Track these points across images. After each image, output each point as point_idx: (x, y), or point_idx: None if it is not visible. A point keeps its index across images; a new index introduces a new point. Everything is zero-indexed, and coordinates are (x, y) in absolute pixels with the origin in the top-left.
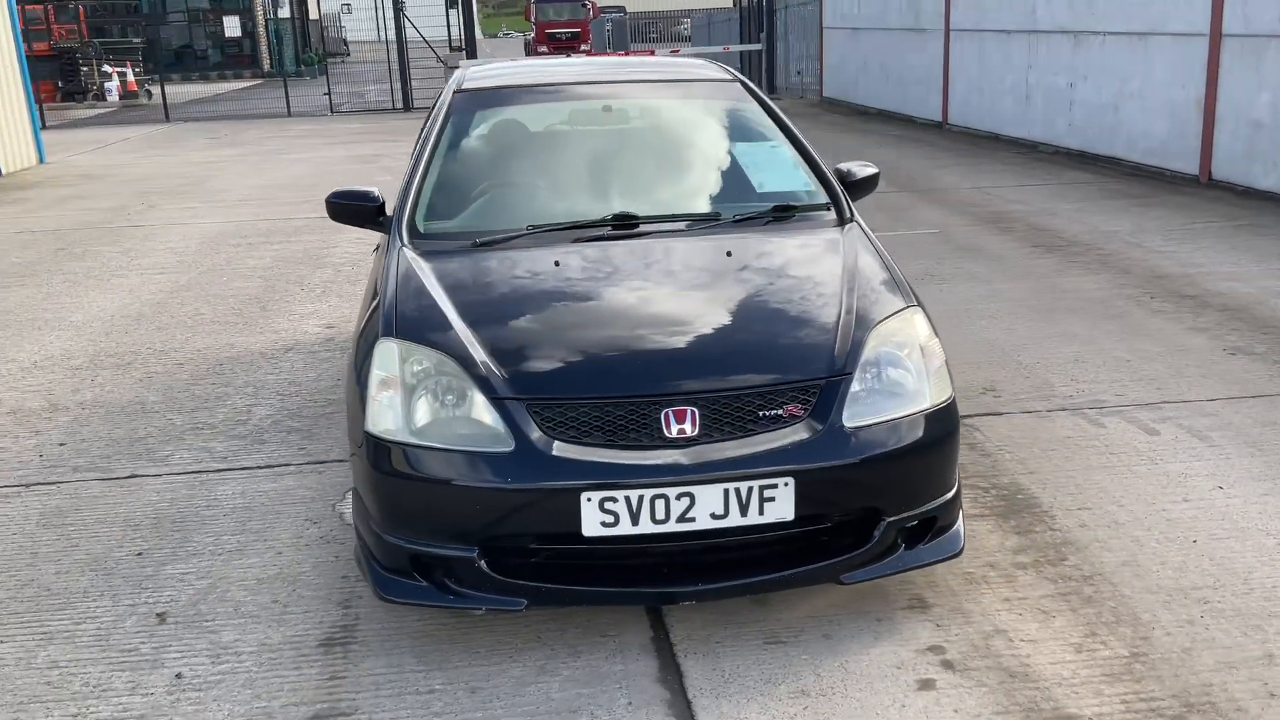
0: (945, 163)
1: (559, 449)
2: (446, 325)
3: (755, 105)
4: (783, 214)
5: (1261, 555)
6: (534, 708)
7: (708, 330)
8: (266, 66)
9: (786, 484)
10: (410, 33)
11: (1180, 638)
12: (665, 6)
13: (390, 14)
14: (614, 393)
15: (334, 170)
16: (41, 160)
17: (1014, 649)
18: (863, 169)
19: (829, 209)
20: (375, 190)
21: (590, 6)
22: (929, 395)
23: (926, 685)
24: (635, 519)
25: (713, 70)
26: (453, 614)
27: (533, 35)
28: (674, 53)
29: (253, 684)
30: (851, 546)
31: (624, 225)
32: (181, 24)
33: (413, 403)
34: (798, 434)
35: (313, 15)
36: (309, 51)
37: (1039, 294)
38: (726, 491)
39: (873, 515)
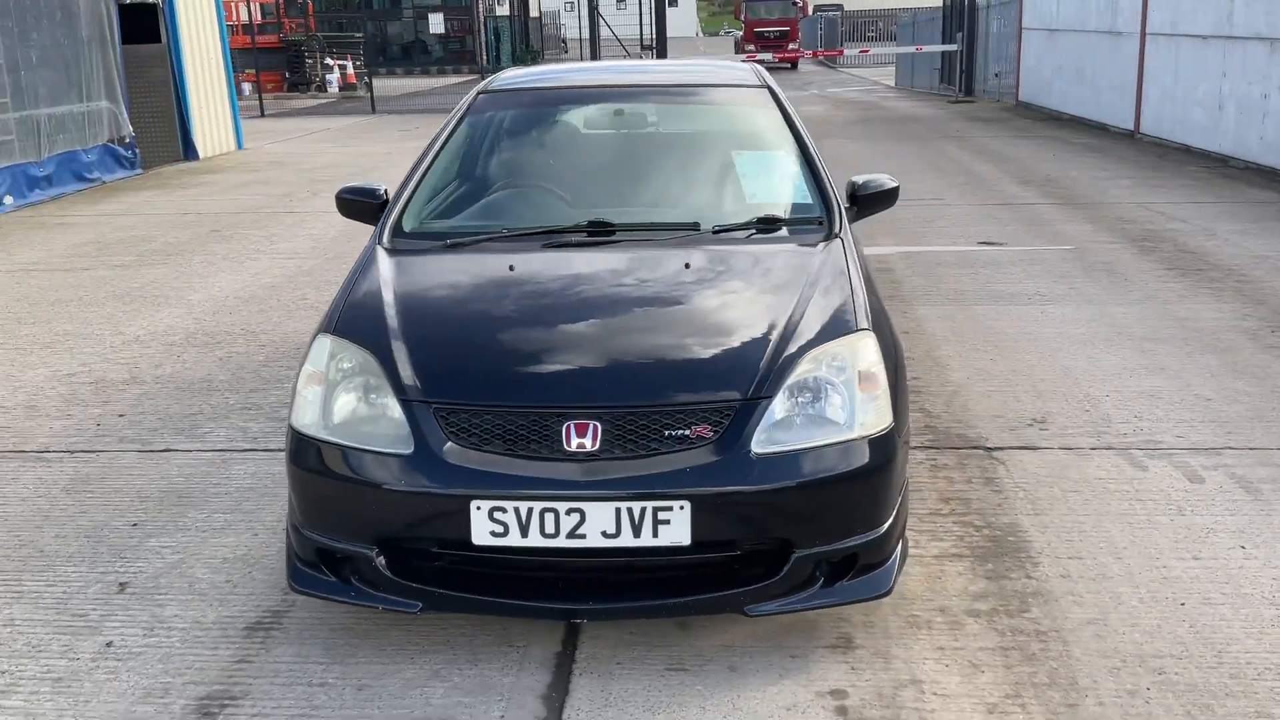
0: (1119, 175)
1: (454, 455)
2: (383, 325)
3: (775, 114)
4: (768, 226)
5: (1251, 627)
6: (407, 712)
7: (631, 344)
8: (484, 62)
9: (682, 507)
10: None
11: (1111, 710)
12: (885, 5)
13: (605, 12)
14: (517, 402)
15: None
16: (239, 146)
17: (922, 702)
18: (877, 183)
19: (820, 223)
20: (381, 187)
21: (800, 5)
22: (859, 425)
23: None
24: (525, 531)
25: (745, 77)
26: (379, 610)
27: (741, 34)
28: (862, 52)
29: (168, 659)
30: (761, 577)
31: (600, 232)
32: (408, 20)
33: (332, 399)
34: (700, 457)
35: (533, 13)
36: (524, 48)
37: (1147, 321)
38: (618, 510)
39: (785, 547)
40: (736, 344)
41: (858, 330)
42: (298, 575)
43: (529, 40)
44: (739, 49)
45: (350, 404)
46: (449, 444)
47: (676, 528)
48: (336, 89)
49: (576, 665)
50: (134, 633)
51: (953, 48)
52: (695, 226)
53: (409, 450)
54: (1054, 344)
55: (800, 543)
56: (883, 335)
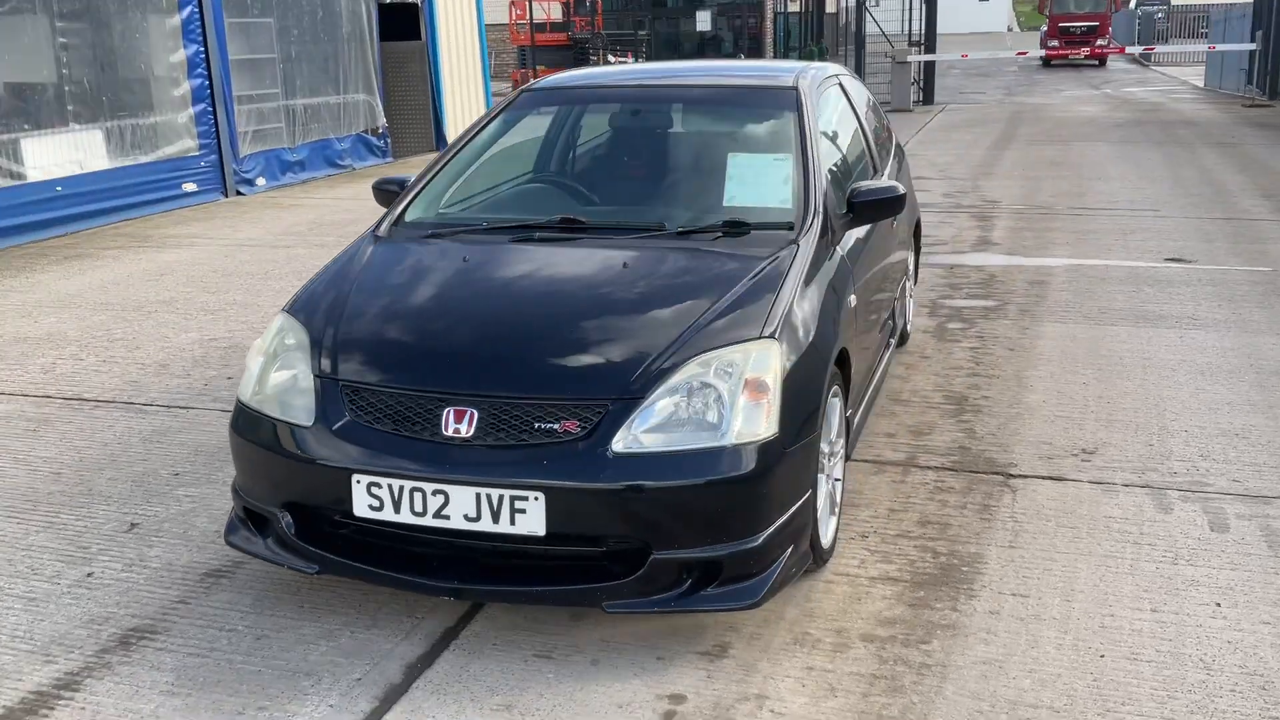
0: None
1: (343, 430)
2: (332, 307)
3: (791, 118)
4: (734, 230)
5: (1162, 689)
6: (283, 664)
7: (527, 338)
8: (770, 59)
9: (537, 499)
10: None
11: None
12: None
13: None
14: (407, 385)
15: None
16: None
17: (752, 714)
18: (877, 189)
19: (790, 229)
20: (411, 177)
21: None
22: (734, 433)
23: None
24: (397, 507)
25: (780, 79)
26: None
27: (1044, 29)
28: (1147, 50)
29: (126, 593)
30: (621, 575)
31: (570, 229)
32: (707, 17)
33: (268, 372)
34: (561, 451)
35: (830, 8)
36: (813, 44)
37: None
38: (479, 496)
39: (645, 548)
40: (628, 344)
41: (759, 339)
42: (231, 530)
43: (821, 35)
44: (1043, 44)
45: (279, 378)
46: (346, 420)
47: (532, 518)
48: None
49: (456, 642)
50: (114, 567)
51: (1250, 46)
52: (661, 227)
53: (309, 423)
54: (1166, 371)
55: (658, 545)
56: (798, 344)
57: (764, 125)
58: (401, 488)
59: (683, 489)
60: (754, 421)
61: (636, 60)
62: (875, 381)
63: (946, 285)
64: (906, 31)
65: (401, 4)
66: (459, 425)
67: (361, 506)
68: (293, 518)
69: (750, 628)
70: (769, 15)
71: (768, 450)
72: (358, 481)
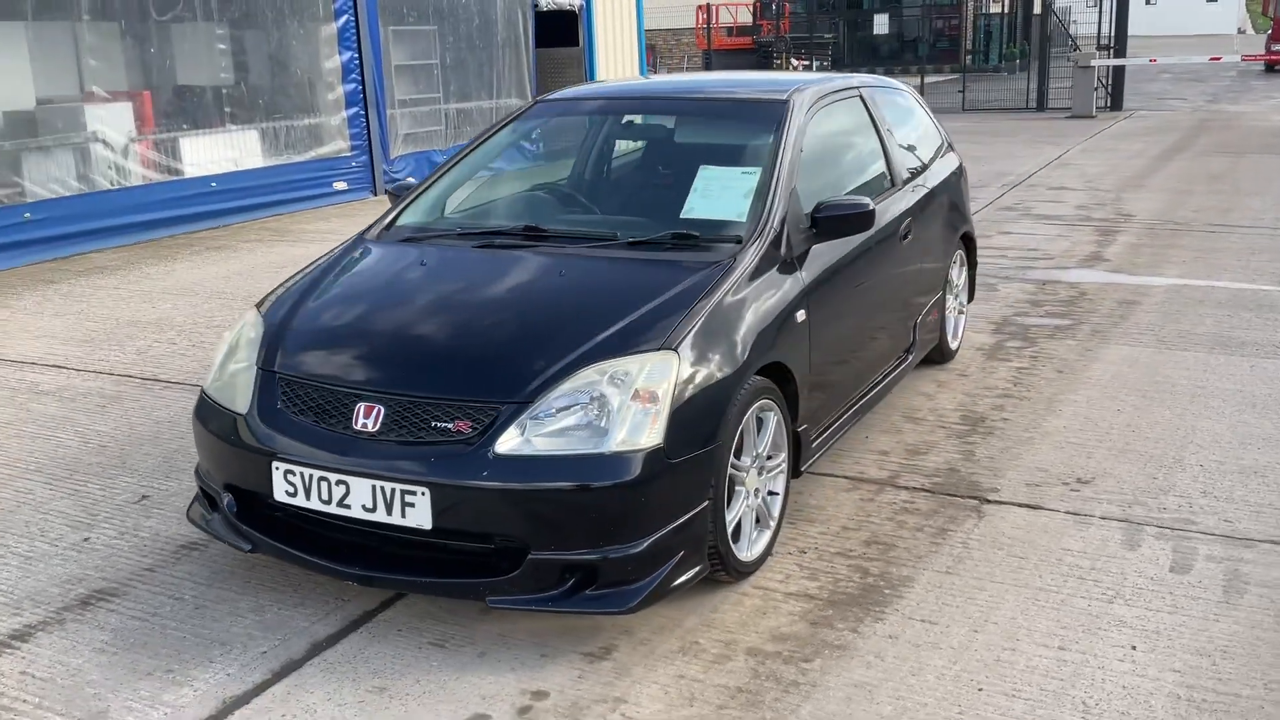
0: None
1: (271, 419)
2: (294, 304)
3: (771, 131)
4: (682, 241)
5: None
6: (207, 633)
7: (443, 339)
8: (967, 61)
9: (424, 494)
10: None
11: None
12: None
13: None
14: (330, 380)
15: None
16: None
17: (603, 717)
18: (843, 205)
19: (739, 242)
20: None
21: None
22: (618, 441)
23: (479, 719)
24: (307, 494)
25: (775, 94)
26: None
27: (1270, 31)
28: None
29: (107, 559)
30: (503, 573)
31: (532, 236)
32: (911, 18)
33: (227, 362)
34: (449, 450)
35: (1038, 9)
36: (1012, 46)
37: None
38: (374, 488)
39: (525, 547)
40: (533, 349)
41: (659, 349)
42: (190, 507)
43: (1029, 36)
44: (1266, 47)
45: (233, 368)
46: (276, 410)
47: (420, 512)
48: None
49: (367, 626)
50: (110, 534)
51: None
52: (614, 237)
53: (245, 411)
54: (1214, 402)
55: (535, 545)
56: (704, 357)
57: (745, 139)
58: (311, 476)
59: (560, 492)
60: (639, 431)
61: (820, 66)
62: (866, 397)
63: (1028, 302)
64: (1109, 32)
65: (561, 11)
66: (366, 420)
67: (280, 492)
68: (235, 499)
69: (644, 633)
70: (968, 16)
71: (650, 460)
72: (276, 468)
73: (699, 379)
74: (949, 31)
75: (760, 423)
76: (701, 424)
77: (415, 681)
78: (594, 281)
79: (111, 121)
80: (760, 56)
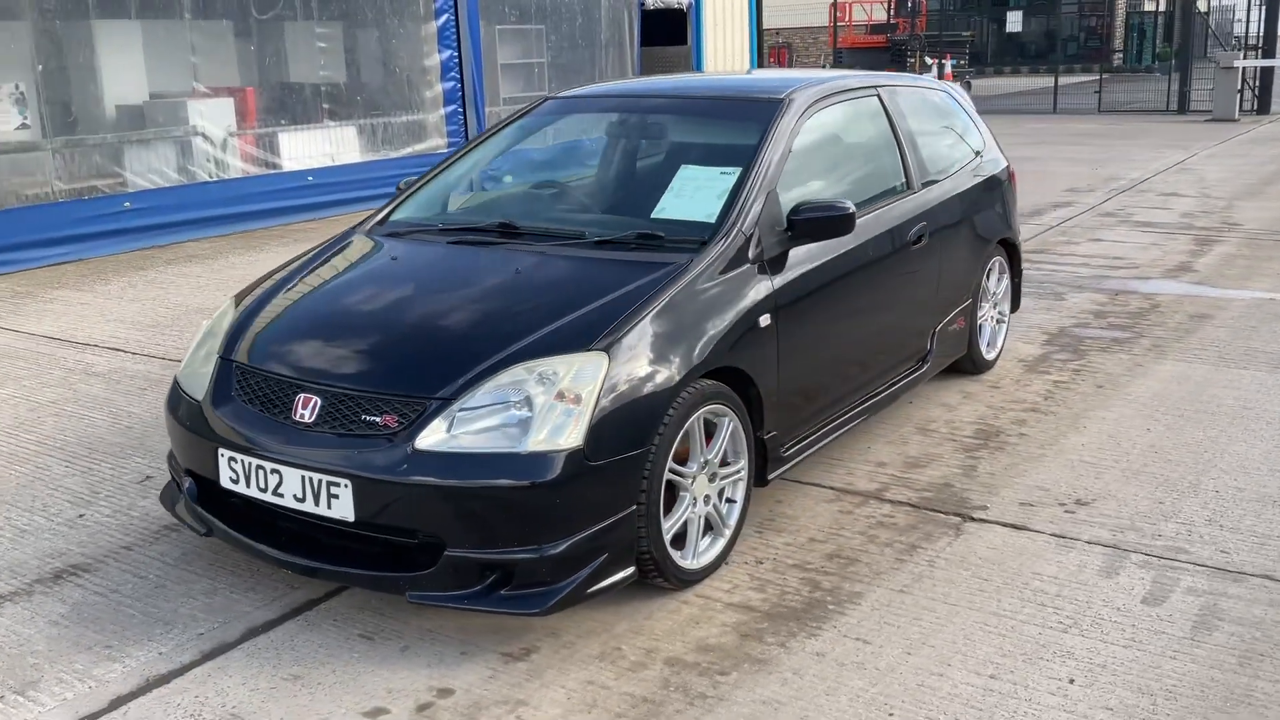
0: None
1: (222, 407)
2: (265, 295)
3: (758, 131)
4: (646, 241)
5: None
6: (156, 613)
7: (384, 333)
8: (1116, 61)
9: (346, 486)
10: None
11: None
12: None
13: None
14: (276, 371)
15: None
16: None
17: (498, 718)
18: (821, 207)
19: (703, 244)
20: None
21: None
22: (538, 442)
23: (375, 713)
24: (248, 482)
25: (774, 92)
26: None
27: None
28: None
29: (93, 535)
30: (422, 567)
31: (508, 233)
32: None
33: (198, 351)
34: (373, 444)
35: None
36: (1166, 45)
37: None
38: (304, 478)
39: (442, 543)
40: (468, 346)
41: (589, 350)
42: (163, 493)
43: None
44: None
45: (200, 355)
46: (228, 398)
47: (343, 504)
48: None
49: (306, 614)
50: (104, 512)
51: None
52: (581, 235)
53: (201, 398)
54: (1257, 425)
55: (452, 543)
56: (638, 358)
57: (732, 139)
58: (250, 464)
59: (474, 490)
60: (559, 432)
61: (955, 65)
62: (861, 407)
63: (1092, 313)
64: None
65: (669, 9)
66: (304, 411)
67: (225, 478)
68: (195, 484)
69: (570, 635)
70: (1119, 15)
71: (570, 461)
72: (222, 455)
73: (631, 381)
74: (1099, 30)
75: (713, 428)
76: (630, 427)
77: (331, 671)
78: (547, 280)
79: (212, 116)
80: (893, 55)
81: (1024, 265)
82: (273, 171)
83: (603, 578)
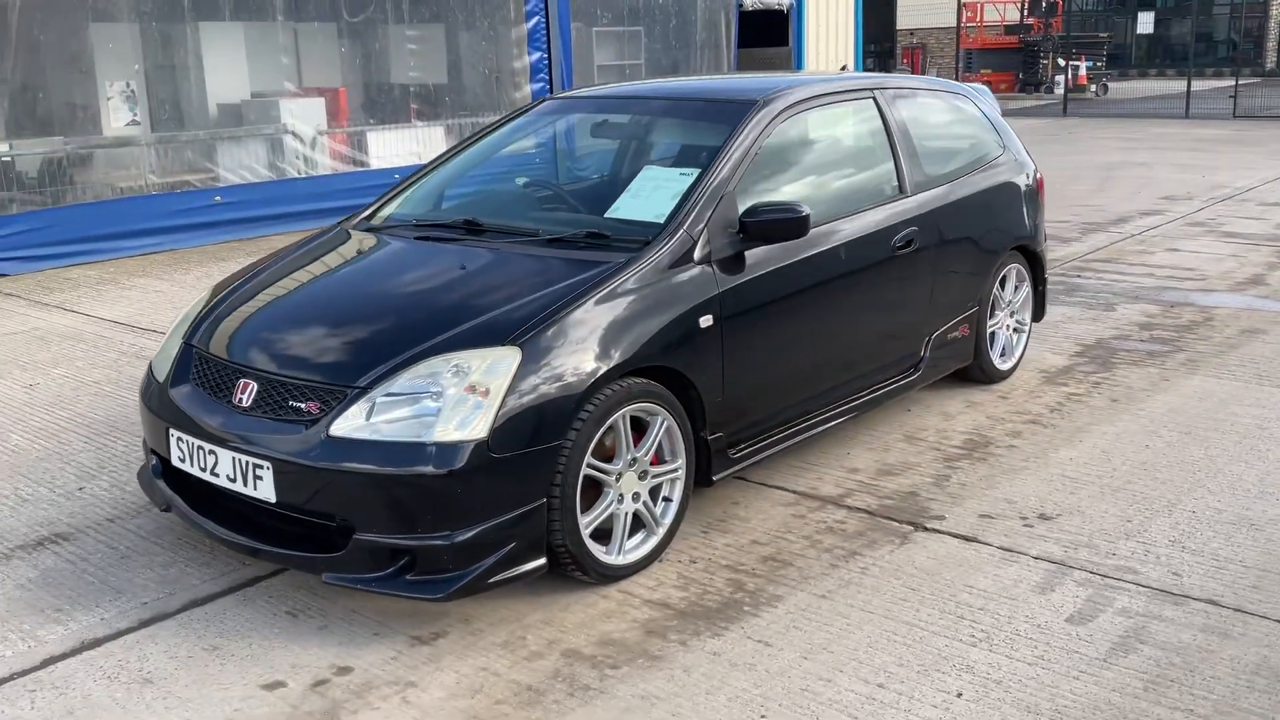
0: None
1: (177, 390)
2: (236, 283)
3: (722, 133)
4: (594, 240)
5: None
6: (113, 582)
7: (323, 323)
8: (1270, 65)
9: (267, 468)
10: None
11: None
12: None
13: None
14: (224, 356)
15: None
16: None
17: (381, 699)
18: (774, 210)
19: (646, 244)
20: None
21: None
22: (444, 432)
23: (273, 686)
24: (191, 461)
25: (751, 95)
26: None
27: None
28: None
29: (86, 507)
30: (339, 549)
31: (472, 230)
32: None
33: (173, 337)
34: (293, 429)
35: None
36: None
37: None
38: (234, 459)
39: (352, 527)
40: (395, 337)
41: (504, 344)
42: (140, 471)
43: None
44: None
45: (171, 341)
46: (184, 381)
47: (266, 485)
48: (1061, 90)
49: (246, 590)
50: (103, 486)
51: None
52: (536, 233)
53: (162, 381)
54: (1267, 445)
55: (360, 527)
56: (554, 354)
57: (701, 140)
58: (193, 444)
59: (380, 477)
60: (465, 423)
61: (1091, 66)
62: (831, 411)
63: (1138, 325)
64: None
65: (769, 10)
66: (242, 396)
67: (175, 457)
68: (160, 463)
69: (482, 623)
70: (1274, 17)
71: (473, 453)
72: (172, 434)
73: (544, 377)
74: (1253, 33)
75: (645, 426)
76: (540, 422)
77: (249, 645)
78: (488, 276)
79: (303, 115)
80: (1025, 57)
81: (1086, 275)
82: (360, 169)
83: (509, 567)
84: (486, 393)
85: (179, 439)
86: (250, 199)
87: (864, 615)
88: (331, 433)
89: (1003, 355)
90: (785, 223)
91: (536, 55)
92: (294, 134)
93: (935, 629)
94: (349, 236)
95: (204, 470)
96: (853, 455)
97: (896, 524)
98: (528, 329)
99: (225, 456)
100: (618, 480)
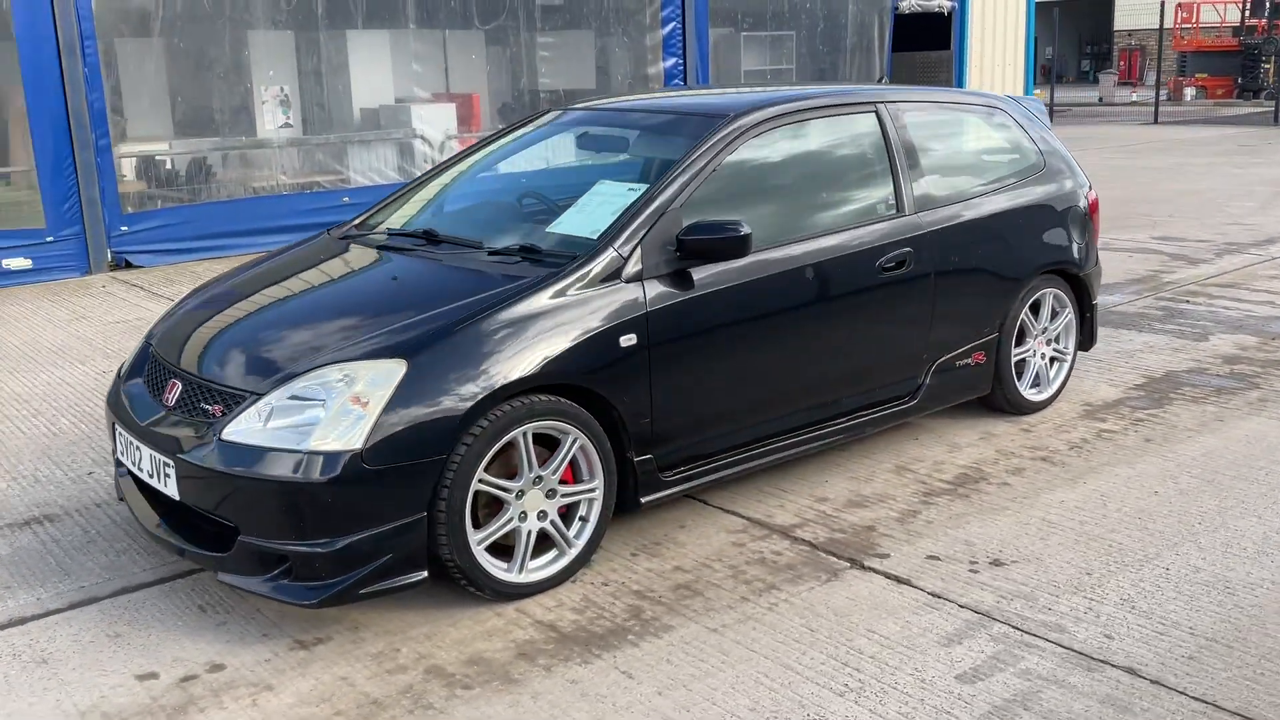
0: None
1: (127, 386)
2: (205, 285)
3: (682, 148)
4: (528, 255)
5: None
6: (68, 563)
7: (247, 329)
8: None
9: (171, 467)
10: None
11: None
12: None
13: None
14: (163, 356)
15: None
16: None
17: (238, 699)
18: (716, 229)
19: (570, 259)
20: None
21: None
22: (319, 440)
23: (146, 677)
24: (126, 456)
25: (723, 109)
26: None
27: None
28: None
29: (84, 492)
30: (228, 549)
31: (430, 240)
32: None
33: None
34: (194, 430)
35: None
36: None
37: None
38: (150, 457)
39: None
40: (304, 345)
41: (390, 358)
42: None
43: None
44: None
45: (140, 343)
46: (134, 379)
47: (172, 483)
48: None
49: (177, 581)
50: (107, 473)
51: None
52: (479, 245)
53: (119, 377)
54: (1248, 478)
55: (244, 530)
56: (444, 367)
57: (665, 154)
58: (127, 439)
59: (258, 481)
60: (343, 434)
61: None
62: (800, 438)
63: (1223, 358)
64: None
65: (930, 13)
66: (168, 395)
67: (118, 451)
68: None
69: (367, 631)
70: None
71: (347, 464)
72: (116, 429)
73: (430, 390)
74: None
75: (555, 443)
76: (422, 435)
77: (148, 635)
78: (413, 287)
79: (432, 121)
80: (1246, 60)
81: (1196, 300)
82: None
83: (385, 579)
84: (366, 404)
85: (119, 433)
86: (376, 200)
87: (746, 654)
88: (223, 436)
89: (1035, 386)
90: (723, 241)
91: (671, 61)
92: (423, 138)
93: (810, 674)
94: (325, 245)
95: (135, 465)
96: (830, 483)
97: (835, 559)
98: (419, 343)
99: (145, 453)
100: (519, 498)
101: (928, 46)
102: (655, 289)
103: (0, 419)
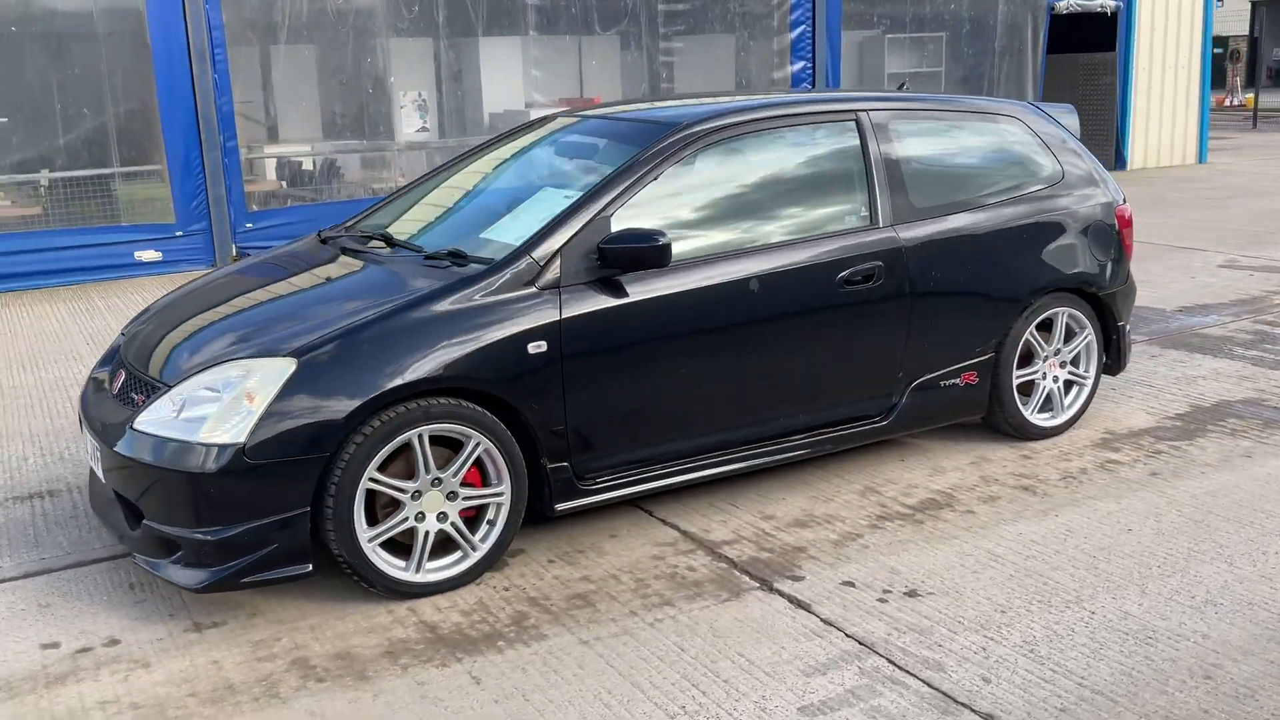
0: None
1: (95, 377)
2: (190, 282)
3: (627, 154)
4: (455, 260)
5: None
6: (43, 536)
7: (184, 324)
8: None
9: (100, 452)
10: None
11: None
12: None
13: None
14: (125, 352)
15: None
16: (1201, 160)
17: (114, 674)
18: (634, 238)
19: (487, 264)
20: None
21: None
22: (206, 433)
23: (50, 646)
24: (84, 440)
25: (680, 117)
26: None
27: None
28: None
29: (81, 473)
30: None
31: (386, 243)
32: None
33: None
34: (118, 418)
35: None
36: None
37: None
38: (89, 442)
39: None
40: (221, 342)
41: (282, 356)
42: None
43: None
44: None
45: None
46: (103, 369)
47: (99, 468)
48: None
49: (122, 560)
50: None
51: None
52: (419, 250)
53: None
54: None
55: (146, 514)
56: (335, 368)
57: (611, 161)
58: (84, 424)
59: (153, 470)
60: (229, 428)
61: None
62: (746, 453)
63: None
64: None
65: (1091, 13)
66: (116, 385)
67: (84, 444)
68: None
69: (260, 619)
70: None
71: (231, 457)
72: (81, 416)
73: (318, 389)
74: None
75: (457, 446)
76: (307, 432)
77: (71, 607)
78: (342, 289)
79: None
80: None
81: None
82: None
83: (267, 569)
84: (254, 400)
85: (81, 420)
86: None
87: (602, 668)
88: (134, 425)
89: (1042, 410)
90: (642, 250)
91: (800, 64)
92: None
93: (655, 694)
94: (307, 245)
95: (87, 449)
96: (786, 501)
97: (747, 579)
98: (313, 344)
99: (91, 442)
100: (415, 498)
101: (1089, 48)
102: (577, 297)
103: (64, 395)
